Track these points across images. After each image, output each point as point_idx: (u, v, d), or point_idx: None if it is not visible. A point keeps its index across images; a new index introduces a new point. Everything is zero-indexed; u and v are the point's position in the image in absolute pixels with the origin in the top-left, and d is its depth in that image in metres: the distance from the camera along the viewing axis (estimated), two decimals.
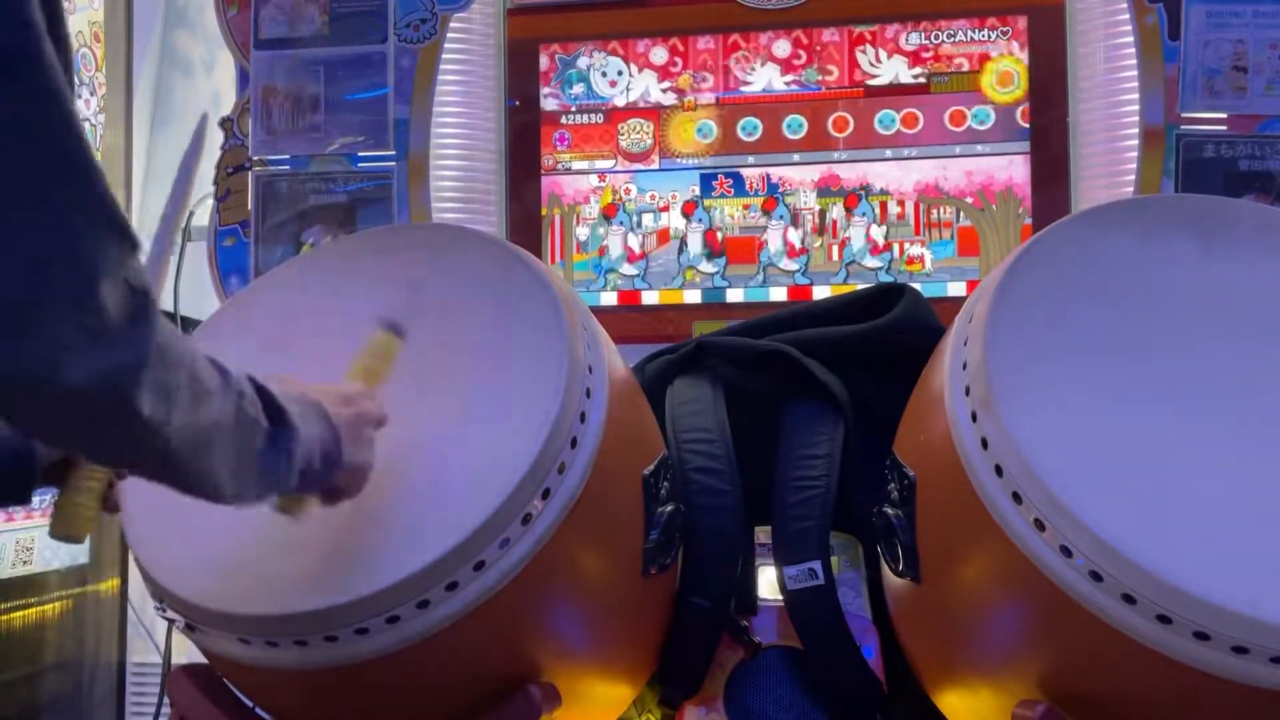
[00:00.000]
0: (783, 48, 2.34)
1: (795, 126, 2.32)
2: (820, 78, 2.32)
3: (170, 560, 1.22)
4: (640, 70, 2.37)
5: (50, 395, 0.72)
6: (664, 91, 2.36)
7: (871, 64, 2.31)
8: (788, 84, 2.33)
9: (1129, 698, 1.15)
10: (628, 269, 2.34)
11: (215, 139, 2.39)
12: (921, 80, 2.29)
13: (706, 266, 2.32)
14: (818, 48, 2.32)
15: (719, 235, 2.32)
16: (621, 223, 2.35)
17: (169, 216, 1.17)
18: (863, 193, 2.28)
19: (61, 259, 0.70)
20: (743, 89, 2.34)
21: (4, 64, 0.68)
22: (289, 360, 1.35)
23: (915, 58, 2.29)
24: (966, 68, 2.27)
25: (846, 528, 1.59)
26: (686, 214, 2.33)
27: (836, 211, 2.29)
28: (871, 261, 2.27)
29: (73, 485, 1.07)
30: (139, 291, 0.75)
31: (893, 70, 2.30)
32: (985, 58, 2.27)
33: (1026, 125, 2.24)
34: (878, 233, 2.27)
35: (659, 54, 2.36)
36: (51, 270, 0.70)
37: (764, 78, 2.34)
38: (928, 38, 2.29)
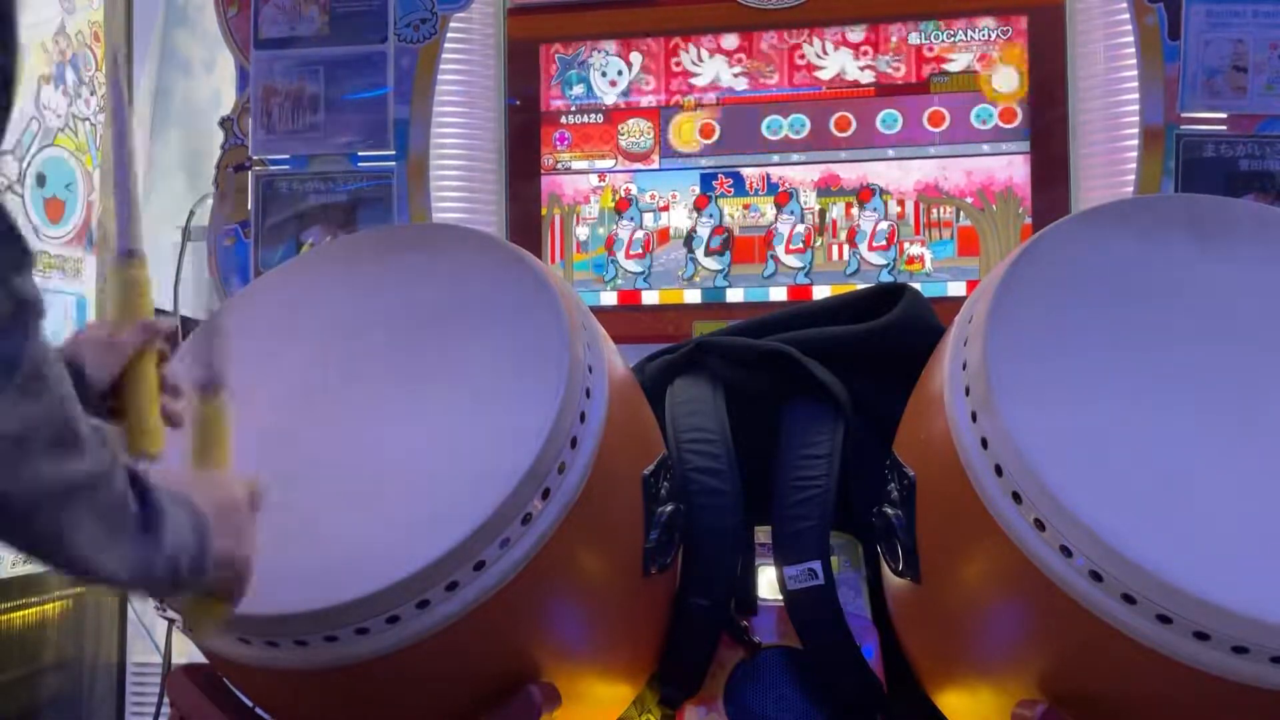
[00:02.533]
0: (783, 48, 2.33)
1: (796, 126, 2.32)
2: (820, 77, 2.32)
3: None
4: (641, 70, 2.37)
5: None
6: (664, 92, 2.36)
7: (872, 64, 2.31)
8: (788, 84, 2.33)
9: (1129, 698, 1.15)
10: (631, 265, 2.34)
11: (215, 139, 2.39)
12: (921, 80, 2.29)
13: (711, 264, 2.32)
14: (818, 48, 2.33)
15: (725, 232, 2.32)
16: (631, 218, 2.35)
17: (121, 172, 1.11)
18: (877, 188, 2.28)
19: None
20: (743, 89, 2.34)
21: None
22: (288, 360, 1.35)
23: (915, 57, 2.29)
24: (966, 68, 2.27)
25: (846, 528, 1.59)
26: (699, 208, 2.32)
27: (837, 211, 2.30)
28: (876, 258, 2.27)
29: (137, 410, 1.04)
30: (22, 301, 0.69)
31: (893, 70, 2.30)
32: (985, 58, 2.27)
33: (1026, 125, 2.24)
34: (884, 228, 2.27)
35: (660, 54, 2.37)
36: None
37: (765, 77, 2.34)
38: (928, 38, 2.29)
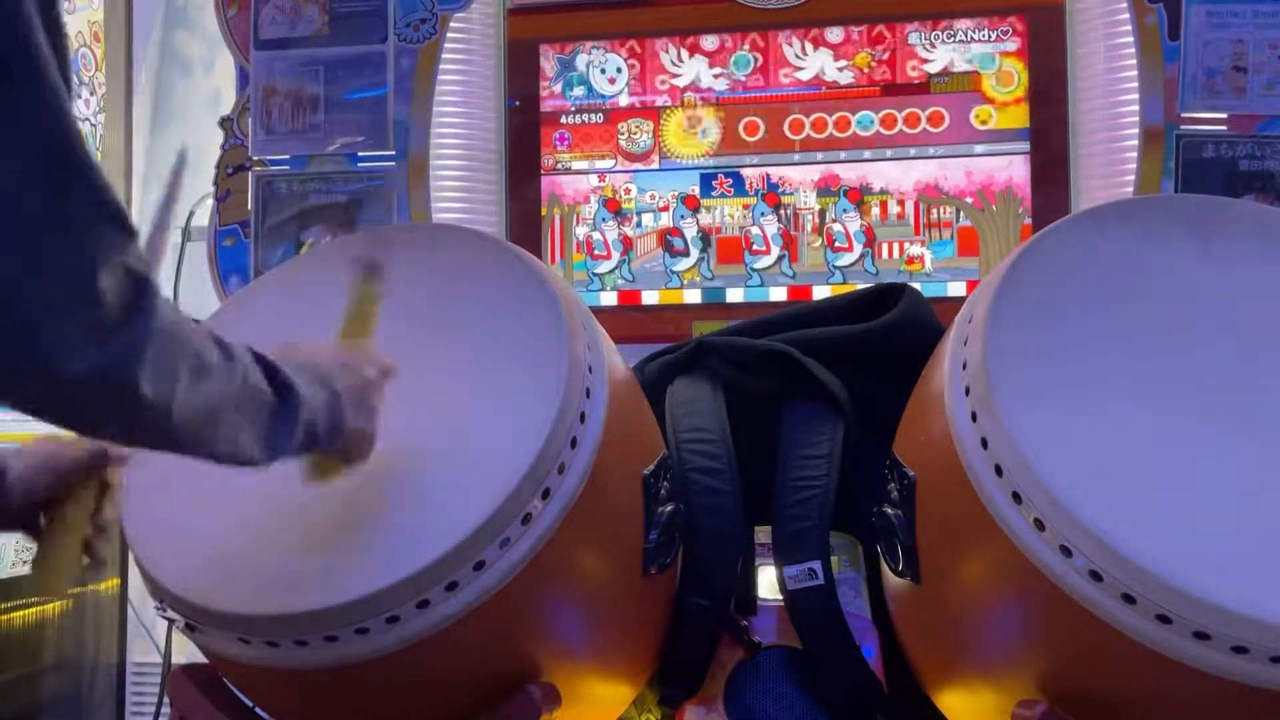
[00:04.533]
0: (783, 48, 2.33)
1: (795, 126, 2.32)
2: (820, 77, 2.32)
3: (170, 560, 1.22)
4: (641, 70, 2.37)
5: (50, 385, 0.73)
6: (664, 92, 2.36)
7: (872, 64, 2.31)
8: (787, 84, 2.33)
9: (1129, 698, 1.15)
10: (604, 266, 2.34)
11: (215, 139, 2.39)
12: (921, 80, 2.29)
13: (710, 264, 2.32)
14: (818, 47, 2.33)
15: (725, 231, 2.32)
16: (604, 219, 2.35)
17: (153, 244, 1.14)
18: (877, 188, 2.28)
19: (59, 251, 0.71)
20: (743, 89, 2.34)
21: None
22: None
23: (915, 57, 2.29)
24: (966, 68, 2.27)
25: (846, 528, 1.59)
26: (699, 208, 2.32)
27: (836, 211, 2.29)
28: (874, 258, 2.27)
29: (52, 538, 1.05)
30: (138, 277, 0.75)
31: (893, 70, 2.30)
32: (985, 58, 2.27)
33: (1026, 125, 2.24)
34: (884, 229, 2.27)
35: (659, 54, 2.36)
36: (49, 263, 0.71)
37: (764, 77, 2.34)
38: (928, 38, 2.29)
